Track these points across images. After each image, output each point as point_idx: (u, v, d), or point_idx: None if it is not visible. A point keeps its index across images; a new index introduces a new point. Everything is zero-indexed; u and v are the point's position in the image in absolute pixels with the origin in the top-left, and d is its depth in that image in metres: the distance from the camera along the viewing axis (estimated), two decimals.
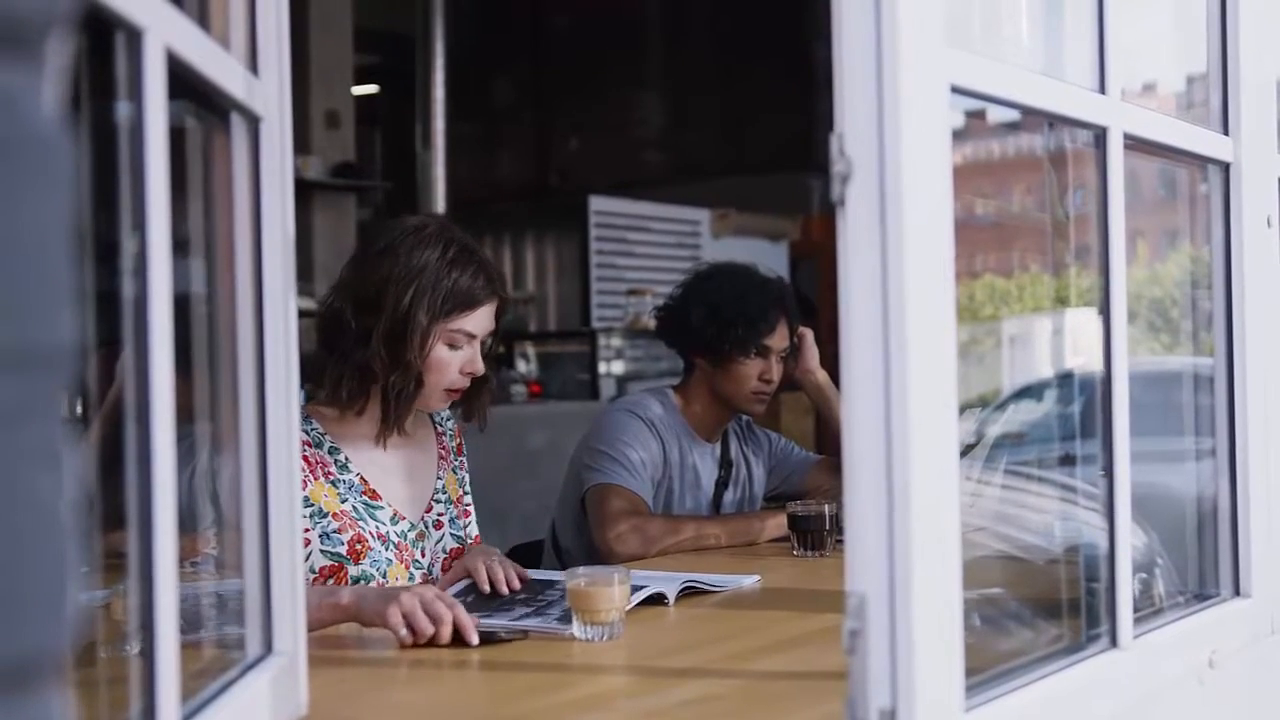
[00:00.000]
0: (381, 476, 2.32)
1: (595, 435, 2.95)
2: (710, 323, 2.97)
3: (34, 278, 0.60)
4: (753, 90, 8.76)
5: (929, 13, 1.20)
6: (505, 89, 9.67)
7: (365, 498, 2.27)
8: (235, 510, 1.40)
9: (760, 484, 3.18)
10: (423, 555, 2.33)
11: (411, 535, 2.31)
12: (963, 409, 1.27)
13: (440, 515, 2.39)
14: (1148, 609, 1.70)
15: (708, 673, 1.77)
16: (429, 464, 2.41)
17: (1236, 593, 1.86)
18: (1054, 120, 1.62)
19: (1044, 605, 1.73)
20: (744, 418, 3.17)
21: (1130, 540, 1.56)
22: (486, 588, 2.14)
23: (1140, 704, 1.62)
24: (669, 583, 2.19)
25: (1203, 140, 1.84)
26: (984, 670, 1.33)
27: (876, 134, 1.17)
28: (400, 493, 2.34)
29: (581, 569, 1.97)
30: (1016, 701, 1.35)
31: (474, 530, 2.48)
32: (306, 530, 2.17)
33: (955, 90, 1.25)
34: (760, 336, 2.97)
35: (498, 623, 1.97)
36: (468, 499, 2.48)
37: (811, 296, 6.98)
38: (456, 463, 2.48)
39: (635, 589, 2.06)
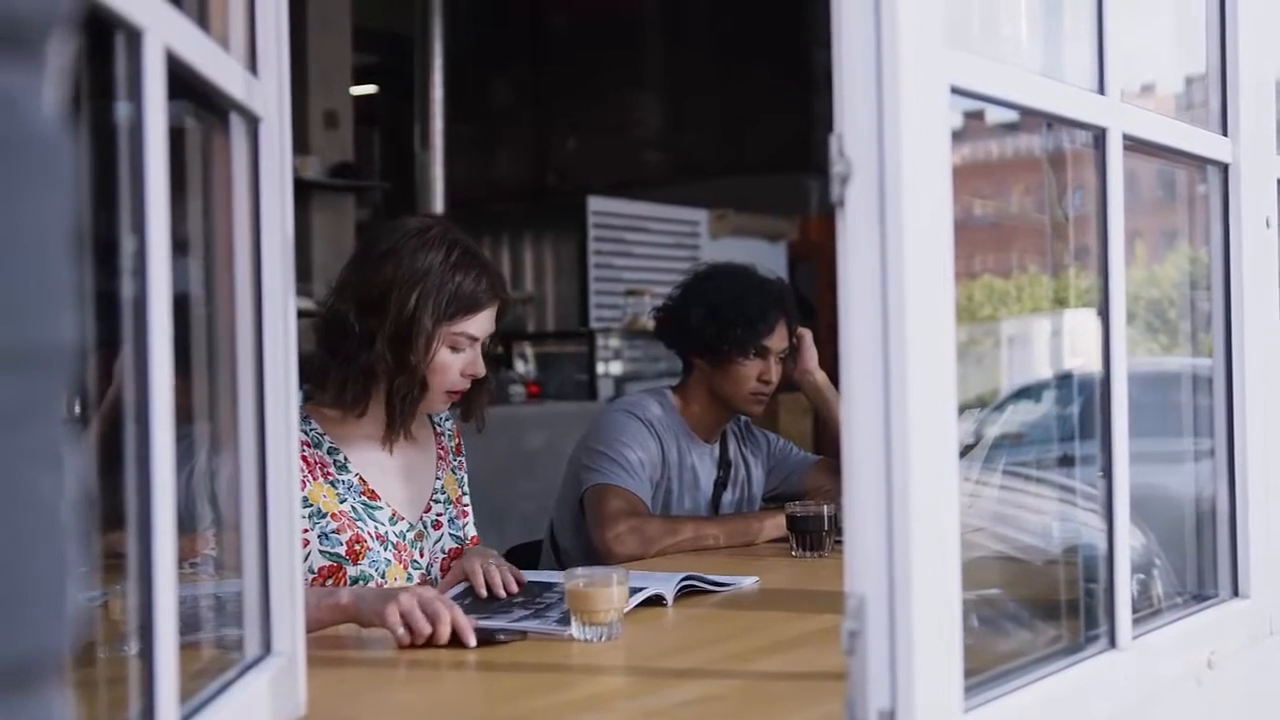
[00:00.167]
0: (381, 477, 2.32)
1: (594, 436, 2.95)
2: (709, 323, 2.97)
3: (35, 278, 0.60)
4: (751, 91, 8.76)
5: (929, 14, 1.20)
6: (504, 89, 9.67)
7: (364, 498, 2.27)
8: (234, 511, 1.40)
9: (759, 485, 3.18)
10: (421, 555, 2.33)
11: (410, 535, 2.31)
12: (961, 410, 1.27)
13: (439, 515, 2.39)
14: (1146, 610, 1.70)
15: (707, 673, 1.77)
16: (428, 464, 2.41)
17: (1235, 594, 1.86)
18: (1054, 121, 1.62)
19: (1043, 606, 1.73)
20: (742, 418, 3.17)
21: (1129, 541, 1.56)
22: (484, 592, 2.13)
23: (1139, 705, 1.62)
24: (667, 583, 2.19)
25: (1202, 141, 1.84)
26: (983, 671, 1.33)
27: (876, 135, 1.16)
28: (399, 493, 2.34)
29: (580, 569, 1.97)
30: (1015, 702, 1.35)
31: (471, 531, 2.47)
32: (305, 530, 2.17)
33: (955, 91, 1.25)
34: (759, 337, 2.97)
35: (496, 624, 1.96)
36: (466, 499, 2.48)
37: (810, 297, 6.99)
38: (455, 463, 2.48)
39: (634, 590, 2.05)
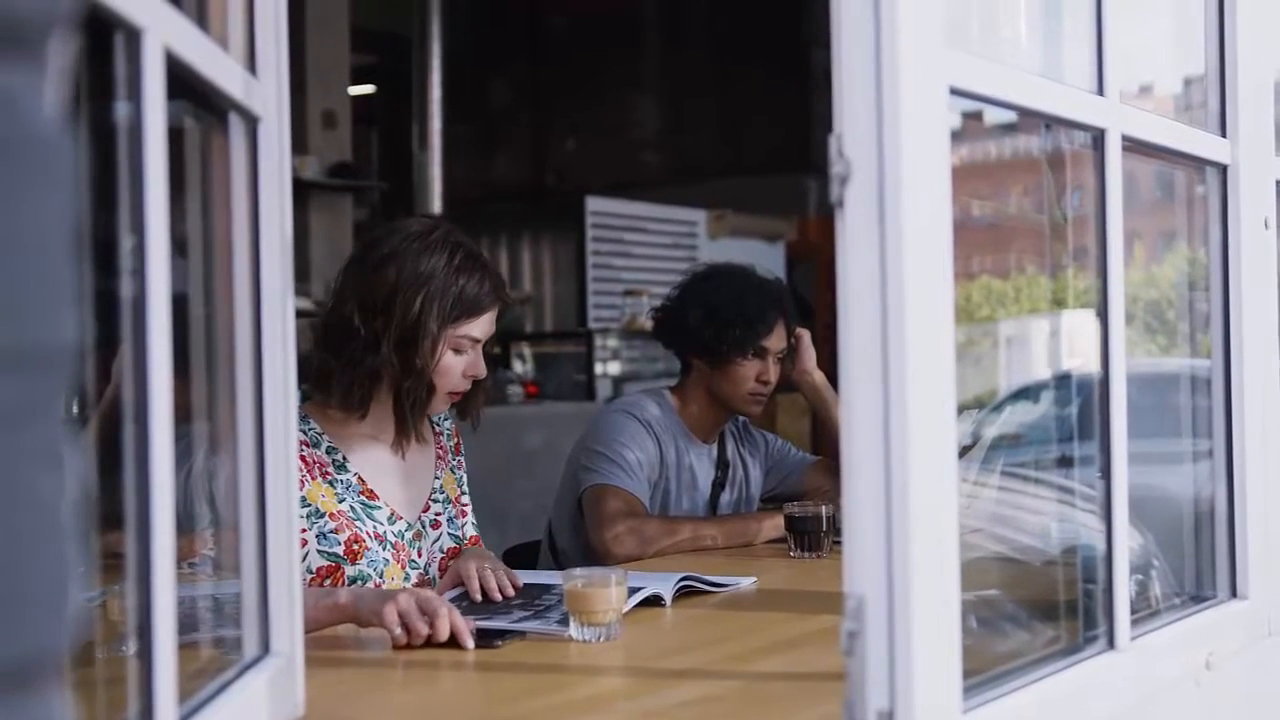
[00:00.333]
0: (379, 476, 2.32)
1: (592, 436, 2.95)
2: (708, 324, 2.97)
3: (35, 278, 0.60)
4: (750, 91, 8.76)
5: (929, 14, 1.20)
6: (502, 89, 9.67)
7: (363, 497, 2.27)
8: (232, 511, 1.40)
9: (757, 485, 3.18)
10: (419, 555, 2.33)
11: (409, 535, 2.31)
12: (959, 410, 1.27)
13: (438, 515, 2.39)
14: (1145, 611, 1.70)
15: (706, 674, 1.77)
16: (427, 464, 2.41)
17: (1233, 594, 1.86)
18: (1053, 122, 1.62)
19: (1041, 607, 1.73)
20: (741, 419, 3.17)
21: (1127, 542, 1.56)
22: (479, 597, 2.12)
23: (1137, 706, 1.62)
24: (666, 583, 2.19)
25: (1201, 142, 1.84)
26: (982, 672, 1.33)
27: (876, 135, 1.17)
28: (398, 493, 2.34)
29: (578, 570, 1.96)
30: (1014, 703, 1.35)
31: (471, 530, 2.47)
32: (303, 530, 2.17)
33: (954, 92, 1.25)
34: (758, 338, 2.97)
35: (497, 625, 1.96)
36: (465, 499, 2.48)
37: (808, 297, 6.98)
38: (454, 462, 2.48)
39: (632, 590, 2.05)
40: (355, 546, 2.22)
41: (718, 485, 3.10)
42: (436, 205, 6.96)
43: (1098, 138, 1.55)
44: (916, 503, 1.16)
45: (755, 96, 8.70)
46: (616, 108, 9.38)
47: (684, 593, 2.22)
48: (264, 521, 1.40)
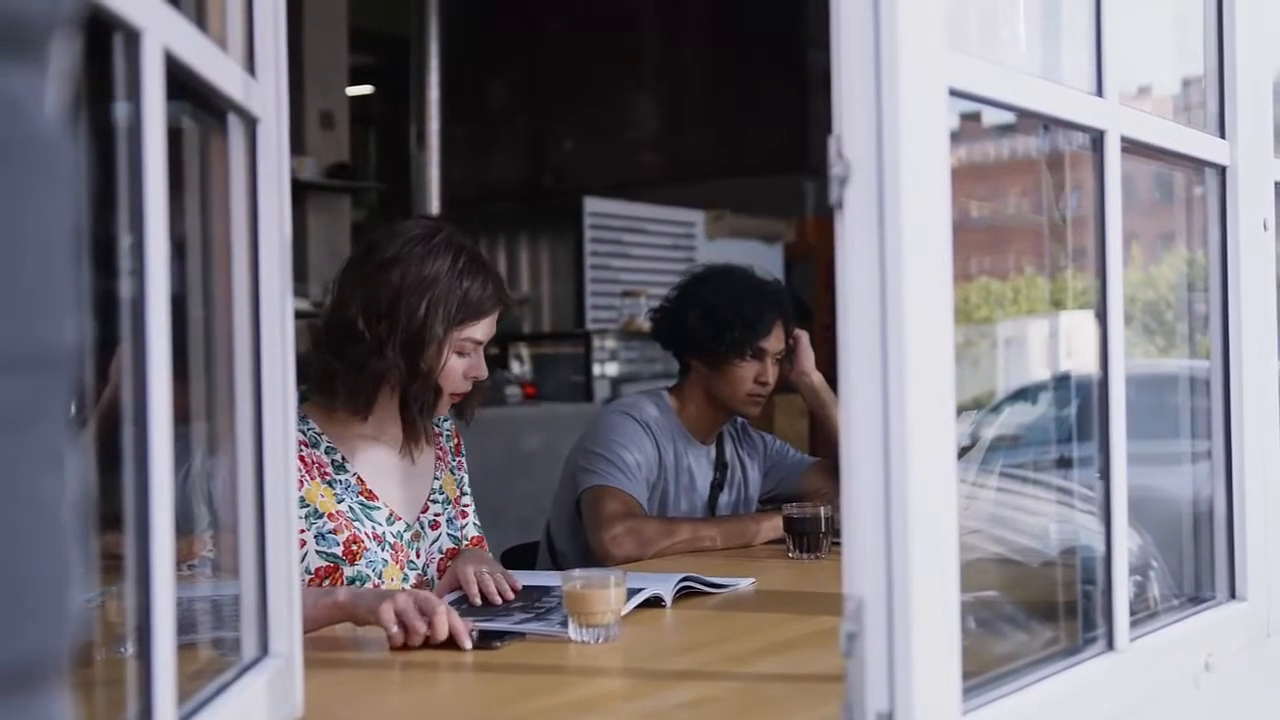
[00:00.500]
0: (379, 476, 2.32)
1: (590, 437, 2.95)
2: (706, 325, 2.97)
3: (38, 280, 0.60)
4: (748, 92, 8.76)
5: (928, 15, 1.20)
6: (500, 90, 9.67)
7: (362, 498, 2.27)
8: (231, 512, 1.40)
9: (755, 486, 3.18)
10: (418, 556, 2.33)
11: (407, 536, 2.31)
12: (958, 411, 1.27)
13: (437, 515, 2.39)
14: (1144, 612, 1.70)
15: (705, 675, 1.76)
16: (427, 465, 2.41)
17: (1232, 596, 1.86)
18: (1052, 123, 1.62)
19: (1040, 608, 1.73)
20: (739, 420, 3.17)
21: (1126, 543, 1.56)
22: (478, 600, 2.11)
23: (1137, 707, 1.62)
24: (666, 583, 2.18)
25: (1199, 144, 1.84)
26: (981, 673, 1.33)
27: (875, 136, 1.16)
28: (397, 493, 2.34)
29: (577, 571, 1.96)
30: (1013, 704, 1.35)
31: (472, 531, 2.47)
32: (302, 531, 2.17)
33: (954, 93, 1.25)
34: (756, 339, 2.97)
35: (499, 626, 1.96)
36: (466, 499, 2.48)
37: (806, 299, 6.98)
38: (454, 463, 2.48)
39: (632, 591, 2.05)
40: (354, 547, 2.22)
41: (716, 486, 3.10)
42: (434, 206, 6.95)
43: (1097, 139, 1.55)
44: (916, 504, 1.16)
45: (753, 97, 8.70)
46: (615, 108, 9.38)
47: (682, 593, 2.22)
48: (263, 522, 1.39)
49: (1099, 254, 1.56)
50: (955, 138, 1.26)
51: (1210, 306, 1.88)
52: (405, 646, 1.86)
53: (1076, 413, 1.80)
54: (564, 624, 1.93)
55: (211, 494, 1.49)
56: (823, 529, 2.68)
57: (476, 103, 9.30)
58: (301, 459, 2.20)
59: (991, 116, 1.55)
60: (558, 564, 2.95)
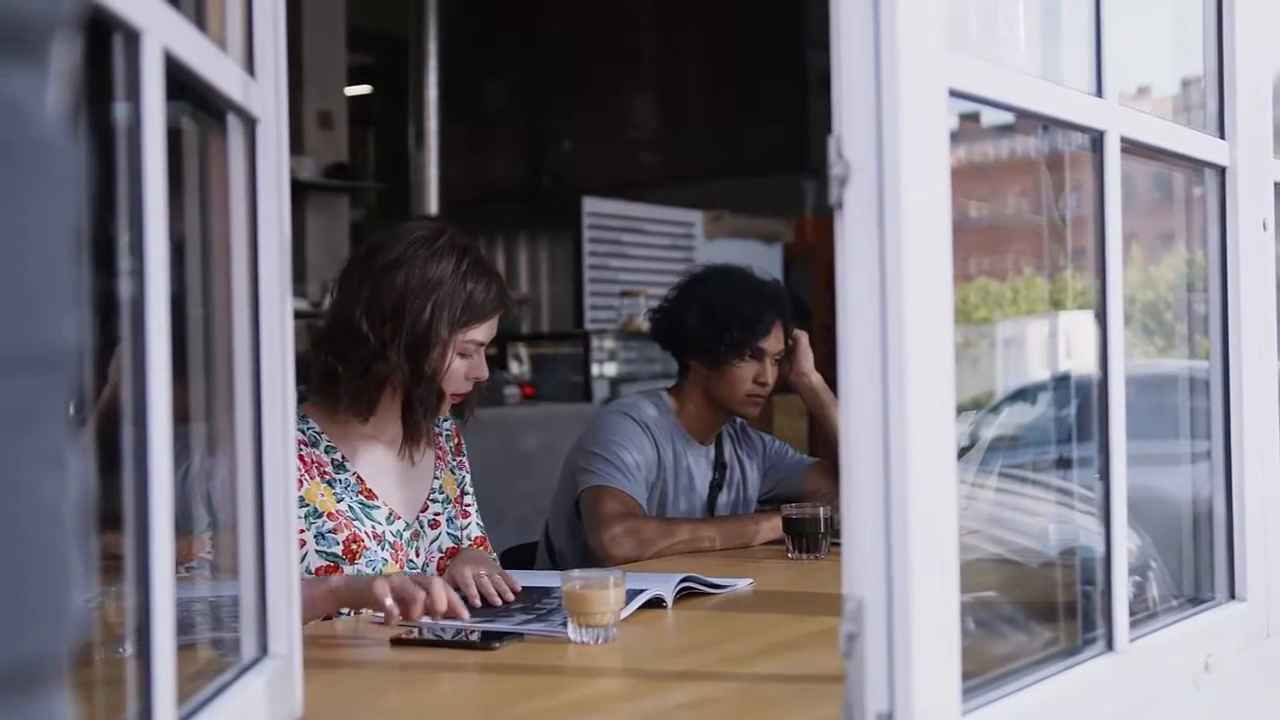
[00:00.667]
0: (378, 476, 2.32)
1: (589, 437, 2.95)
2: (705, 325, 2.97)
3: (38, 280, 0.60)
4: (747, 92, 8.77)
5: (928, 16, 1.20)
6: (499, 90, 9.67)
7: (362, 497, 2.27)
8: (231, 512, 1.40)
9: (754, 486, 3.18)
10: (417, 555, 2.33)
11: (407, 535, 2.31)
12: (957, 412, 1.27)
13: (437, 515, 2.39)
14: (1143, 613, 1.70)
15: (704, 676, 1.76)
16: (426, 464, 2.42)
17: (1232, 596, 1.86)
18: (1052, 124, 1.62)
19: (1040, 609, 1.73)
20: (738, 420, 3.17)
21: (1126, 544, 1.56)
22: (477, 602, 2.10)
23: (1136, 707, 1.62)
24: (666, 584, 2.18)
25: (1199, 144, 1.84)
26: (981, 674, 1.33)
27: (875, 137, 1.16)
28: (396, 492, 2.34)
29: (577, 571, 1.96)
30: (1013, 705, 1.35)
31: (474, 531, 2.47)
32: (301, 531, 2.17)
33: (954, 94, 1.25)
34: (755, 339, 2.97)
35: (500, 627, 1.96)
36: (467, 499, 2.48)
37: (805, 299, 6.98)
38: (455, 462, 2.48)
39: (632, 593, 2.05)
40: (354, 546, 2.22)
41: (715, 486, 3.10)
42: (433, 206, 6.96)
43: (1096, 139, 1.55)
44: (916, 504, 1.16)
45: (753, 97, 8.71)
46: (613, 108, 9.39)
47: (682, 594, 2.22)
48: (262, 523, 1.39)
49: (1098, 254, 1.56)
50: (955, 138, 1.26)
51: (1210, 307, 1.88)
52: (404, 643, 1.86)
53: (1076, 413, 1.80)
54: (565, 624, 1.93)
55: (210, 494, 1.49)
56: (822, 529, 2.68)
57: (475, 103, 9.31)
58: (301, 458, 2.20)
59: (991, 116, 1.54)
60: (557, 564, 2.95)
